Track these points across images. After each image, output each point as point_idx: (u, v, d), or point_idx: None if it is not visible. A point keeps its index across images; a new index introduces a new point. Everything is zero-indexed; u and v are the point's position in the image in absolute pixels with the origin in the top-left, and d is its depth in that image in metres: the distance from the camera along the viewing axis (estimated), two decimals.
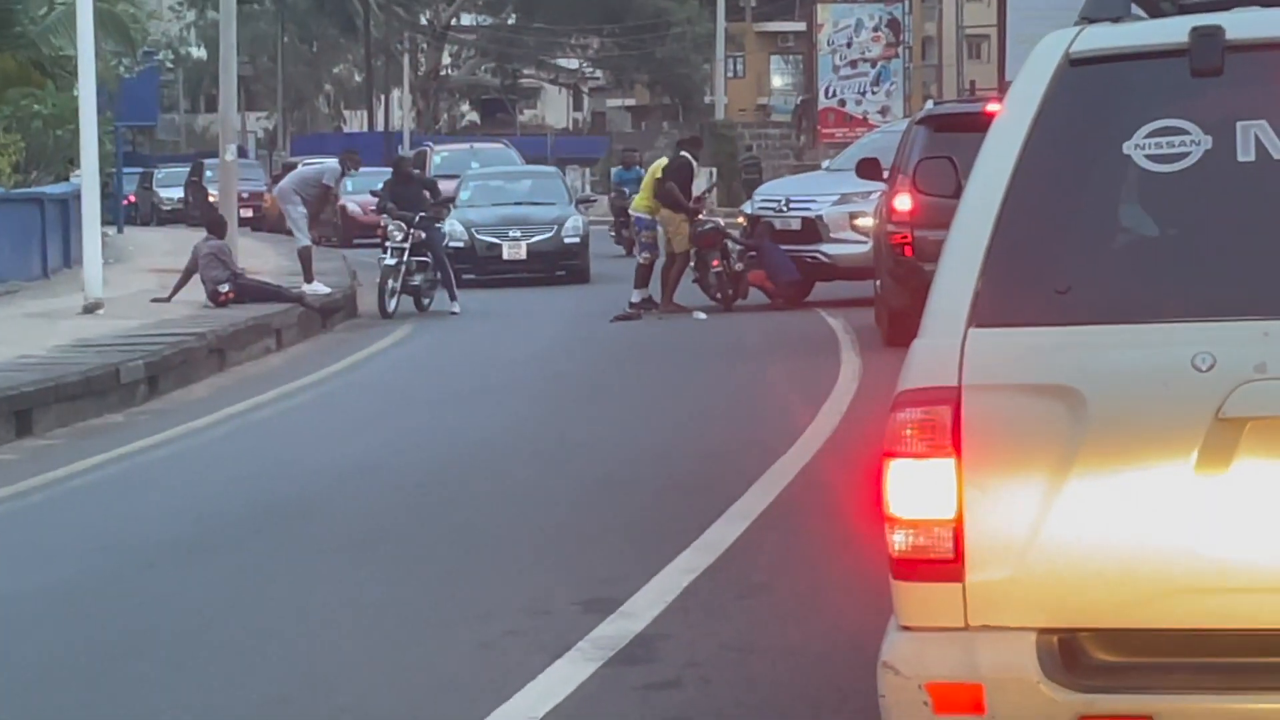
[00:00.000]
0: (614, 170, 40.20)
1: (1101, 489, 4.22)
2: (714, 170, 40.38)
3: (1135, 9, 4.79)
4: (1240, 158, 4.37)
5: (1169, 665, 4.24)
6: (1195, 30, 4.45)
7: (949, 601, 4.31)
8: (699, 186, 25.02)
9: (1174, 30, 4.51)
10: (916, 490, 4.32)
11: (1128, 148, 4.42)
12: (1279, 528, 4.16)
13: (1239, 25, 4.46)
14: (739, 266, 23.23)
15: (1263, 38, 4.46)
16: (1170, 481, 4.19)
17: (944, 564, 4.30)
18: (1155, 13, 4.90)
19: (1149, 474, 4.20)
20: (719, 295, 23.22)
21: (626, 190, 32.53)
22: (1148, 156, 4.41)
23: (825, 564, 8.71)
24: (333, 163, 26.05)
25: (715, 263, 23.15)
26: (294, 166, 38.67)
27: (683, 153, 23.67)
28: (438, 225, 25.24)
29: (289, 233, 27.07)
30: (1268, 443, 4.17)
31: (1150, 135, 4.41)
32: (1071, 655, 4.27)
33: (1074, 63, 4.54)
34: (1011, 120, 4.52)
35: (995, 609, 4.28)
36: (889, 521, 4.37)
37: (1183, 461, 4.19)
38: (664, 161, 24.00)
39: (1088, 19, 4.69)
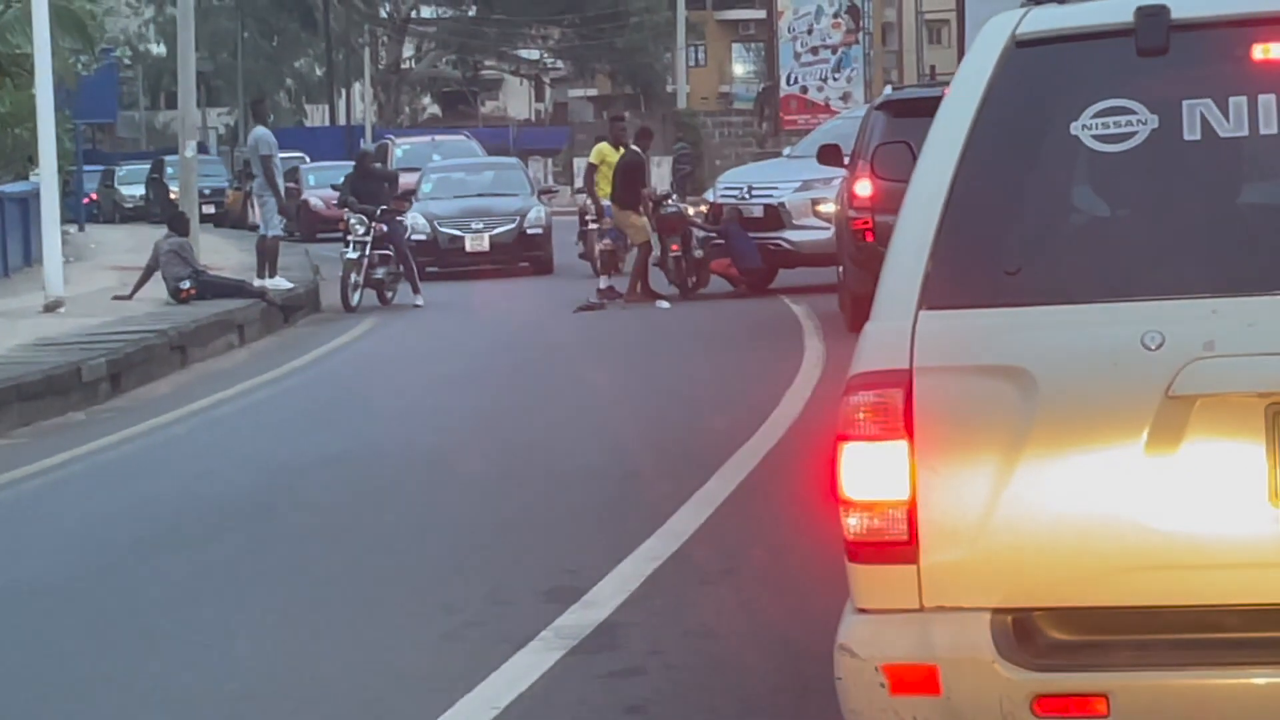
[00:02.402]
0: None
1: (1053, 468, 4.23)
2: (675, 158, 40.35)
3: None
4: (1186, 136, 4.38)
5: (1123, 643, 4.26)
6: (1140, 10, 4.46)
7: (904, 583, 4.32)
8: (662, 177, 25.14)
9: (1119, 10, 4.51)
10: (870, 473, 4.34)
11: (1075, 128, 4.43)
12: (1229, 504, 4.19)
13: (1184, 4, 4.47)
14: (699, 254, 23.23)
15: (1207, 16, 4.48)
16: (1121, 460, 4.20)
17: (898, 546, 4.31)
18: None
19: (1100, 453, 4.21)
20: (680, 282, 23.22)
21: None
22: (1095, 137, 4.43)
23: (788, 549, 8.72)
24: (256, 132, 24.78)
25: (675, 247, 23.15)
26: None
27: (634, 147, 23.78)
28: (400, 218, 25.22)
29: (254, 228, 26.95)
30: (1217, 420, 4.18)
31: (1097, 115, 4.42)
32: (1026, 635, 4.29)
33: (1020, 44, 4.55)
34: (959, 102, 4.53)
35: (950, 590, 4.30)
36: (843, 505, 4.39)
37: (1133, 440, 4.20)
38: (605, 146, 24.56)
39: (1034, 0, 4.70)
